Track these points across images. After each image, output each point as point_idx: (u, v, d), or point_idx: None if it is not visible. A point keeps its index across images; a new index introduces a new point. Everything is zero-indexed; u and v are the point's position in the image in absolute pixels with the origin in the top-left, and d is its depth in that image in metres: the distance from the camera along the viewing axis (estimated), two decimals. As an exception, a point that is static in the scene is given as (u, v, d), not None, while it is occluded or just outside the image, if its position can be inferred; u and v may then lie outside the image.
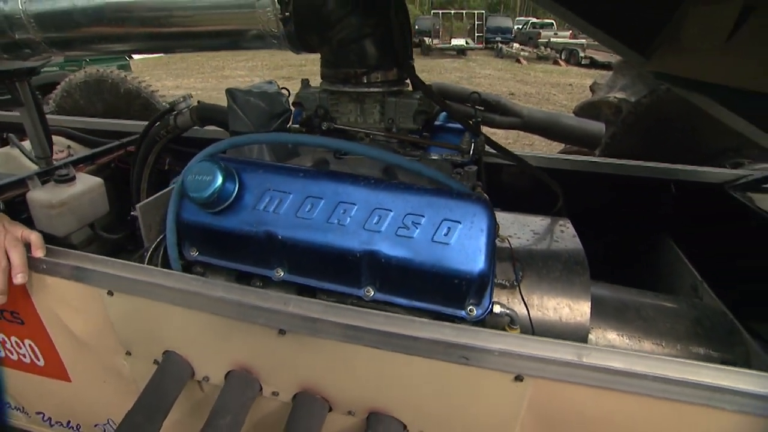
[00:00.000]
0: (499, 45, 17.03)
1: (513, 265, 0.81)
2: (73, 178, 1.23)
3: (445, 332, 0.55)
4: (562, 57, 15.14)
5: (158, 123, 1.13)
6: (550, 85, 10.22)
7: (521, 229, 0.94)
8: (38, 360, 0.87)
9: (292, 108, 0.96)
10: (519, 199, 1.07)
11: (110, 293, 0.69)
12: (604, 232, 1.08)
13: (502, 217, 0.94)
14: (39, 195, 1.18)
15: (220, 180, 0.64)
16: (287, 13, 0.76)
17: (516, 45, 17.12)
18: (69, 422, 1.00)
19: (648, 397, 0.50)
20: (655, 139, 1.66)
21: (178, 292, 0.64)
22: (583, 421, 0.55)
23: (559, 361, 0.51)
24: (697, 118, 1.53)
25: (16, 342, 0.86)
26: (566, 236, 0.92)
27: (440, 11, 19.81)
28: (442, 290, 0.63)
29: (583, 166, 1.25)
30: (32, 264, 0.72)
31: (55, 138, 1.58)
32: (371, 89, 0.82)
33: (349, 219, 0.64)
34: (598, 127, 1.21)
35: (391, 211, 0.64)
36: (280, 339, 0.61)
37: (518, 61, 14.93)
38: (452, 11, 20.41)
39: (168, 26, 0.83)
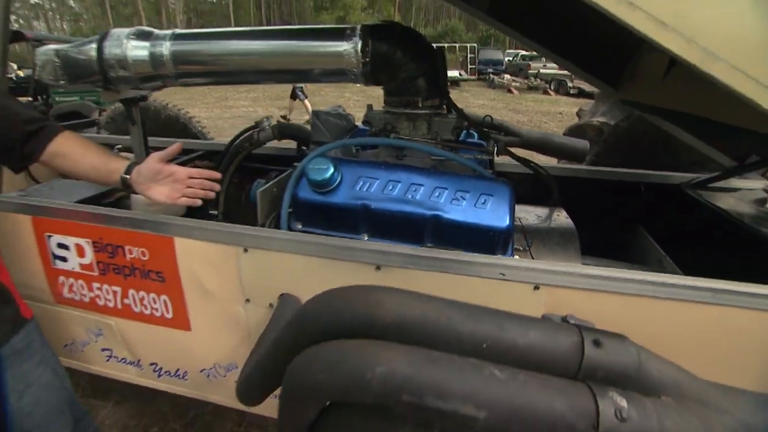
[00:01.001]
0: (491, 76, 18.03)
1: (524, 236, 1.16)
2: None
3: (490, 259, 0.88)
4: (552, 87, 16.07)
5: (243, 137, 1.48)
6: (540, 113, 10.90)
7: (527, 214, 1.29)
8: (168, 313, 1.17)
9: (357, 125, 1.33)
10: (522, 197, 1.43)
11: (245, 250, 1.01)
12: (589, 224, 1.43)
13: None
14: (140, 197, 1.51)
15: (332, 169, 0.99)
16: (367, 59, 1.12)
17: (507, 76, 18.13)
18: (177, 370, 1.28)
19: (608, 293, 0.82)
20: (632, 155, 2.06)
21: (299, 244, 0.96)
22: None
23: (562, 272, 0.84)
24: (667, 137, 1.93)
25: (153, 298, 1.17)
26: (561, 218, 1.27)
27: (434, 44, 20.91)
28: (481, 241, 0.96)
29: (572, 173, 1.62)
30: (185, 230, 1.04)
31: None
32: (422, 111, 1.19)
33: (419, 195, 0.99)
34: (583, 144, 1.57)
35: (446, 189, 0.99)
36: (377, 273, 0.94)
37: (510, 91, 15.82)
38: (446, 44, 21.55)
39: (277, 65, 1.20)
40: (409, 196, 0.99)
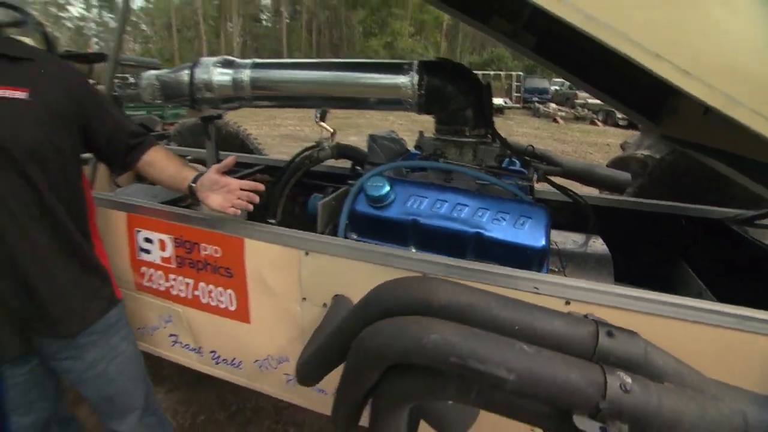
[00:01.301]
0: (536, 105, 17.96)
1: (559, 258, 1.25)
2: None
3: (526, 273, 0.98)
4: (599, 118, 15.80)
5: (303, 155, 1.66)
6: (587, 144, 10.76)
7: (564, 239, 1.38)
8: (231, 305, 1.34)
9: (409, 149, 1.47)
10: (561, 223, 1.51)
11: (306, 253, 1.16)
12: (628, 255, 1.48)
13: (552, 232, 1.38)
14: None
15: (388, 187, 1.13)
16: (422, 92, 1.28)
17: (553, 105, 18.01)
18: (234, 359, 1.44)
19: (635, 312, 0.90)
20: (676, 189, 2.08)
21: (355, 250, 1.10)
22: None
23: (592, 289, 0.93)
24: (711, 172, 1.95)
25: (220, 291, 1.34)
26: (597, 245, 1.35)
27: (480, 72, 21.22)
28: (518, 258, 1.06)
29: (613, 203, 1.68)
30: (255, 233, 1.21)
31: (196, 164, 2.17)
32: (469, 140, 1.32)
33: (463, 213, 1.11)
34: (624, 176, 1.63)
35: (488, 210, 1.11)
36: (421, 280, 1.06)
37: (555, 120, 15.70)
38: (491, 72, 21.80)
39: (342, 93, 1.38)
40: (455, 215, 1.12)
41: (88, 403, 1.32)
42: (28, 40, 2.46)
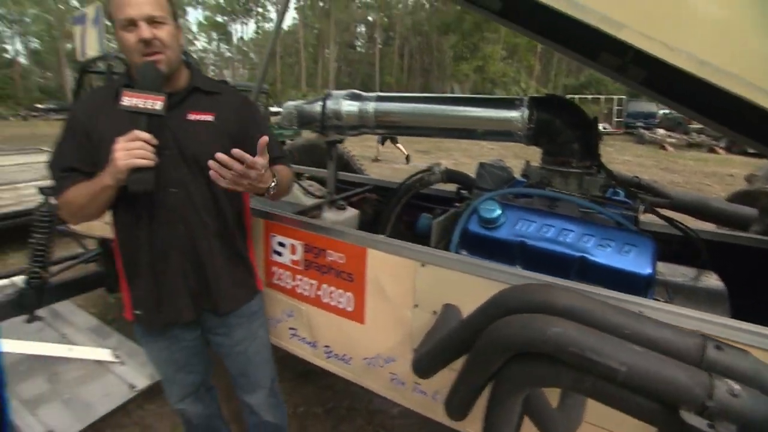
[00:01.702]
0: (640, 130, 16.70)
1: (666, 289, 1.28)
2: (345, 208, 2.03)
3: (632, 297, 1.05)
4: (722, 144, 14.20)
5: (414, 178, 1.87)
6: (702, 174, 9.76)
7: (673, 271, 1.40)
8: (349, 306, 1.56)
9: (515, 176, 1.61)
10: (669, 256, 1.51)
11: (423, 265, 1.34)
12: (750, 295, 1.43)
13: (658, 263, 1.41)
14: (329, 214, 1.99)
15: (499, 210, 1.28)
16: (531, 125, 1.42)
17: (661, 131, 16.60)
18: (345, 355, 1.66)
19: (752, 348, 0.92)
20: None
21: (468, 265, 1.25)
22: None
23: (697, 318, 0.97)
24: None
25: (340, 293, 1.57)
26: (710, 280, 1.35)
27: (575, 96, 20.40)
28: (622, 284, 1.13)
29: (732, 239, 1.63)
30: (377, 244, 1.42)
31: (312, 181, 2.51)
32: (575, 170, 1.42)
33: (569, 238, 1.21)
34: (749, 211, 1.58)
35: (593, 236, 1.20)
36: (527, 296, 1.18)
37: (663, 147, 14.45)
38: (589, 96, 20.81)
39: (456, 125, 1.56)
40: (561, 239, 1.23)
41: (228, 374, 1.62)
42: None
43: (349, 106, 1.74)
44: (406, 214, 2.09)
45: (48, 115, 36.46)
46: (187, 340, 1.44)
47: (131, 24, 1.12)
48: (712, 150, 14.08)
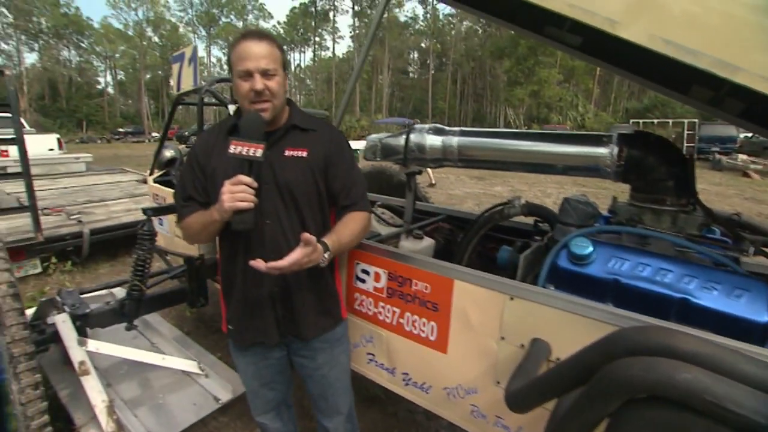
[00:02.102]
0: (717, 156, 15.59)
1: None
2: (422, 237, 2.10)
3: (755, 348, 1.02)
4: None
5: (493, 210, 1.92)
6: (793, 208, 8.92)
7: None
8: (432, 336, 1.61)
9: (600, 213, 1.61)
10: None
11: (512, 298, 1.37)
12: None
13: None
14: (407, 243, 2.07)
15: (592, 247, 1.29)
16: (621, 162, 1.43)
17: (743, 156, 15.38)
18: (424, 383, 1.70)
19: None
20: None
21: (561, 300, 1.27)
22: None
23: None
24: None
25: (423, 322, 1.63)
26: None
27: (640, 120, 19.53)
28: (732, 330, 1.10)
29: None
30: (466, 276, 1.47)
31: (383, 209, 2.61)
32: (670, 208, 1.41)
33: (667, 278, 1.20)
34: None
35: (696, 277, 1.18)
36: (624, 336, 1.17)
37: (746, 174, 13.38)
38: (655, 120, 19.84)
39: (540, 160, 1.60)
40: (658, 278, 1.21)
41: (309, 396, 1.70)
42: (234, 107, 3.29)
43: (433, 140, 1.83)
44: (478, 244, 2.13)
45: (126, 138, 40.51)
46: (274, 358, 1.55)
47: (247, 75, 1.27)
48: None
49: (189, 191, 1.41)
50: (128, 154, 23.61)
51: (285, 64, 1.37)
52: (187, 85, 3.26)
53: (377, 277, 1.75)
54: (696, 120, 18.89)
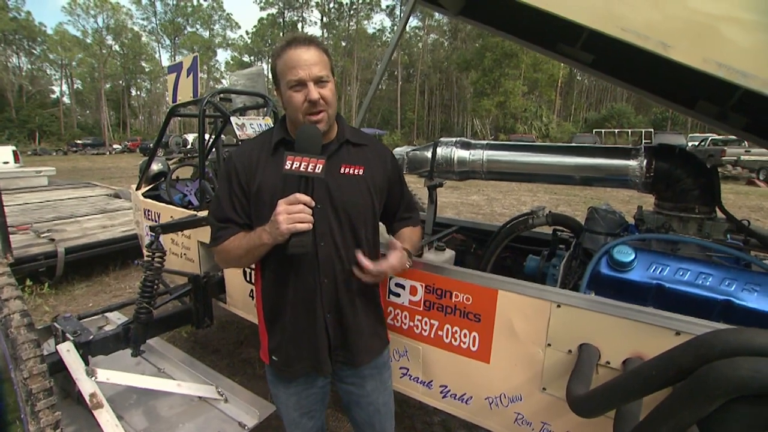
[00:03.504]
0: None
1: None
2: (444, 249, 2.14)
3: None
4: (761, 177, 14.05)
5: (517, 221, 1.98)
6: (747, 209, 9.61)
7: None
8: (473, 346, 1.63)
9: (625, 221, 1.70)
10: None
11: (558, 306, 1.42)
12: None
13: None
14: (430, 255, 2.10)
15: (634, 254, 1.36)
16: (650, 174, 1.52)
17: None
18: (464, 395, 1.71)
19: None
20: None
21: (608, 306, 1.33)
22: None
23: None
24: None
25: (464, 333, 1.65)
26: None
27: (602, 130, 20.52)
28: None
29: None
30: (510, 286, 1.51)
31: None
32: (697, 216, 1.51)
33: (709, 282, 1.28)
34: None
35: (736, 280, 1.27)
36: (675, 338, 1.24)
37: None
38: (615, 130, 20.90)
39: (569, 173, 1.68)
40: (700, 282, 1.29)
41: (352, 423, 1.65)
42: (269, 119, 3.27)
43: (460, 154, 1.88)
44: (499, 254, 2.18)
45: (85, 150, 38.68)
46: (317, 387, 1.45)
47: (300, 84, 1.17)
48: (751, 182, 13.92)
49: (227, 212, 1.29)
50: (89, 166, 22.57)
51: (333, 70, 1.29)
52: (185, 96, 3.18)
53: (413, 291, 1.76)
54: (652, 129, 20.07)
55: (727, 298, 1.24)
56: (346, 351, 1.37)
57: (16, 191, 8.73)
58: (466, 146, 1.89)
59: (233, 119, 2.92)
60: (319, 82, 1.19)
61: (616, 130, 21.16)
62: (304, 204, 1.12)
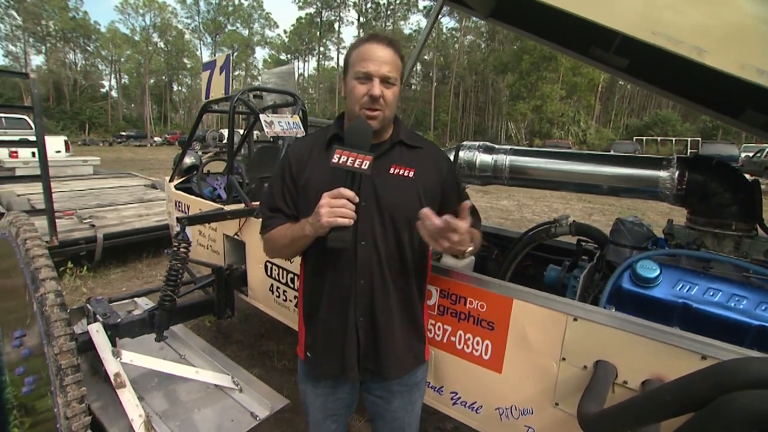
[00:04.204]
0: (720, 175, 15.66)
1: None
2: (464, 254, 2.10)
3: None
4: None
5: (540, 229, 1.92)
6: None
7: None
8: (486, 355, 1.60)
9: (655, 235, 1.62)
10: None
11: (575, 319, 1.36)
12: None
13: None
14: (449, 260, 2.07)
15: (658, 270, 1.29)
16: (682, 186, 1.44)
17: (746, 176, 15.44)
18: (474, 403, 1.68)
19: None
20: None
21: (629, 323, 1.27)
22: None
23: None
24: None
25: (477, 341, 1.62)
26: None
27: (643, 137, 19.70)
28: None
29: None
30: (526, 296, 1.46)
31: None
32: (733, 233, 1.41)
33: (743, 304, 1.20)
34: None
35: (773, 305, 1.18)
36: (701, 362, 1.16)
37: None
38: (658, 138, 20.03)
39: (595, 182, 1.61)
40: (732, 304, 1.21)
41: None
42: (297, 117, 3.31)
43: (483, 158, 1.84)
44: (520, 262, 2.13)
45: (128, 142, 40.62)
46: (345, 392, 1.42)
47: (366, 78, 1.17)
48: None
49: (277, 202, 1.32)
50: (131, 157, 23.65)
51: (403, 76, 1.28)
52: (217, 92, 3.27)
53: (428, 295, 1.74)
54: (699, 138, 19.06)
55: (763, 324, 1.16)
56: (375, 361, 1.31)
57: (65, 178, 9.23)
58: (489, 151, 1.85)
59: (262, 116, 2.98)
60: (385, 81, 1.18)
61: (659, 138, 20.23)
62: (348, 199, 1.09)
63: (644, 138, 20.28)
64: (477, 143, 1.89)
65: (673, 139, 20.15)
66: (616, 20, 1.16)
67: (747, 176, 1.48)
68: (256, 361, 3.25)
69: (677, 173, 1.45)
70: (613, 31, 1.16)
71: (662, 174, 1.48)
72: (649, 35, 1.12)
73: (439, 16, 1.97)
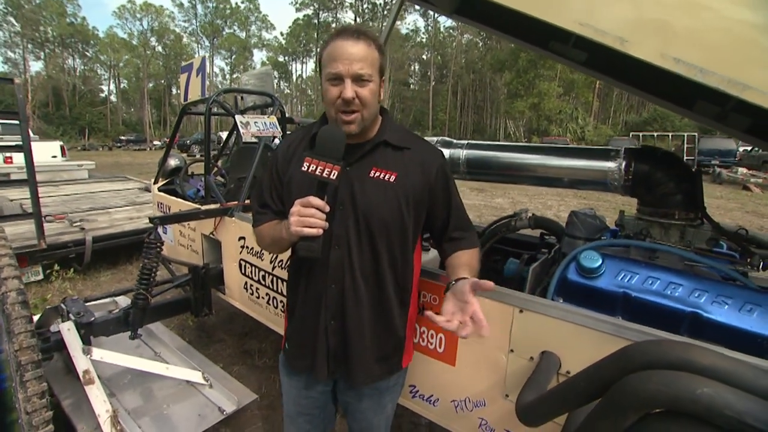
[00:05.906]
0: (717, 169, 15.65)
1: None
2: (429, 249, 2.11)
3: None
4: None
5: (500, 223, 1.93)
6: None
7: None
8: (440, 348, 1.61)
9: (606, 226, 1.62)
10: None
11: (521, 311, 1.37)
12: None
13: None
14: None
15: (601, 260, 1.30)
16: (629, 177, 1.44)
17: (742, 170, 15.45)
18: (431, 396, 1.69)
19: None
20: None
21: (571, 314, 1.27)
22: None
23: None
24: None
25: (431, 334, 1.63)
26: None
27: (640, 133, 19.64)
28: (743, 345, 1.10)
29: None
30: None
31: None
32: (678, 222, 1.42)
33: (678, 292, 1.21)
34: None
35: (707, 291, 1.19)
36: (635, 350, 1.17)
37: (746, 188, 13.42)
38: (655, 133, 19.97)
39: (547, 174, 1.62)
40: (668, 292, 1.22)
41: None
42: (273, 118, 3.32)
43: (440, 153, 1.85)
44: (484, 256, 2.13)
45: (128, 146, 40.72)
46: (316, 391, 1.39)
47: (337, 79, 1.09)
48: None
49: (265, 198, 1.30)
50: (129, 161, 23.69)
51: (383, 69, 1.17)
52: (194, 95, 3.29)
53: (386, 289, 1.75)
54: (695, 133, 19.00)
55: (695, 311, 1.17)
56: (344, 364, 1.29)
57: (59, 183, 9.27)
58: (447, 145, 1.86)
59: (238, 118, 3.00)
60: (358, 80, 1.09)
61: (656, 134, 20.15)
62: (317, 208, 1.03)
63: (641, 134, 20.27)
64: (435, 138, 1.90)
65: (671, 134, 20.08)
66: (546, 12, 1.17)
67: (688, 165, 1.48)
68: (237, 359, 3.27)
69: (624, 164, 1.46)
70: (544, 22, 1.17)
71: (610, 165, 1.48)
72: (577, 26, 1.13)
73: (401, 11, 1.98)
